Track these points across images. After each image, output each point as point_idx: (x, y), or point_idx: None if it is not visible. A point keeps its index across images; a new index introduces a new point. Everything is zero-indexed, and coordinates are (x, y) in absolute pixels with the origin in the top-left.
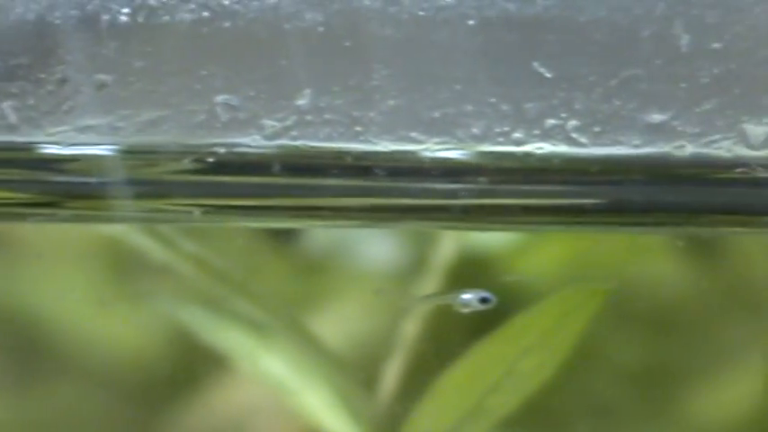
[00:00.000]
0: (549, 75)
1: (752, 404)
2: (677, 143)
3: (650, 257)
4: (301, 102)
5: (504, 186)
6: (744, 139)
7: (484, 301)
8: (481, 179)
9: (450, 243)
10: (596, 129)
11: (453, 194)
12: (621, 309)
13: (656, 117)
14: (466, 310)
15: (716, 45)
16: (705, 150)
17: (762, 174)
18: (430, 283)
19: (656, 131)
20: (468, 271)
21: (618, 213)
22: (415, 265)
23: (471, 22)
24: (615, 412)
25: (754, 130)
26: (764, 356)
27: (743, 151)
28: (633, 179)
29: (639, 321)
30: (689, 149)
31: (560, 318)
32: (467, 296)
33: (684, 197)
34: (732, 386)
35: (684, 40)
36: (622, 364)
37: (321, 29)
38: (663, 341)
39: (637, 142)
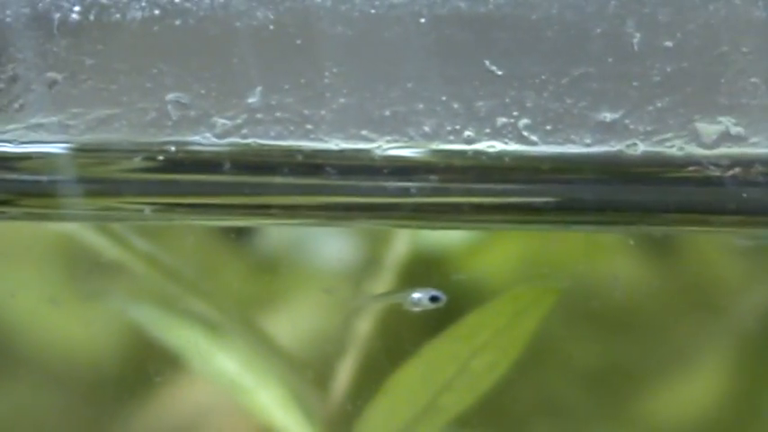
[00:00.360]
0: (500, 73)
1: (707, 403)
2: (629, 142)
3: (606, 256)
4: (252, 100)
5: (455, 185)
6: (696, 138)
7: (434, 299)
8: (432, 177)
9: (404, 241)
10: (548, 127)
11: (404, 193)
12: (576, 307)
13: (608, 115)
14: (416, 309)
15: (668, 43)
16: (657, 149)
17: (714, 172)
18: (382, 281)
19: (608, 130)
20: (421, 269)
21: (569, 212)
22: (368, 264)
23: (423, 21)
24: (570, 412)
25: (707, 128)
26: (718, 355)
27: (695, 150)
28: (585, 178)
29: (595, 320)
30: (641, 148)
31: (513, 316)
32: (417, 295)
33: (636, 196)
34: (687, 385)
35: (636, 38)
36: (577, 364)
37: (272, 27)
38: (617, 340)
39: (588, 141)
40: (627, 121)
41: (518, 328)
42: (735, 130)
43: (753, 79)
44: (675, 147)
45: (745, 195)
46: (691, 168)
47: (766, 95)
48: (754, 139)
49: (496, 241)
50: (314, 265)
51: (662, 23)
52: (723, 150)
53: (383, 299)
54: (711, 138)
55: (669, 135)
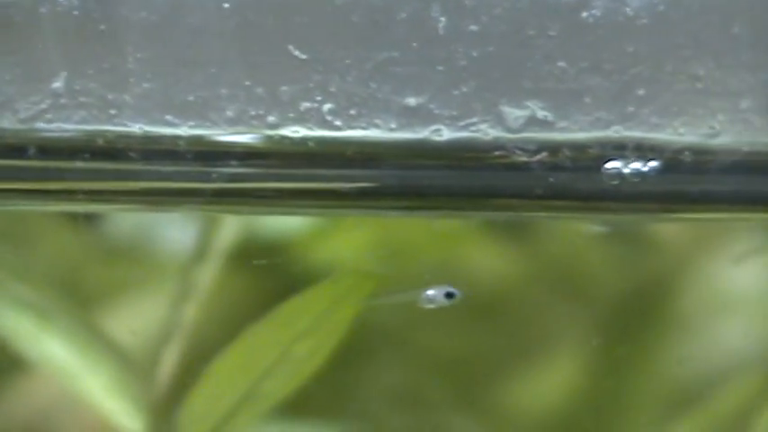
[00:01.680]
0: (304, 57)
1: (566, 392)
2: (434, 126)
3: (454, 243)
4: (56, 85)
5: (258, 170)
6: (502, 123)
7: (449, 296)
8: (234, 162)
9: (233, 227)
10: (352, 112)
11: (207, 177)
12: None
13: (413, 100)
14: (431, 306)
15: (474, 27)
16: (463, 134)
17: (520, 157)
18: (211, 267)
19: (413, 114)
20: (258, 256)
21: (375, 197)
22: (198, 250)
23: (226, 5)
24: (421, 400)
25: (513, 112)
26: (573, 343)
27: (501, 134)
28: (389, 163)
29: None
30: (446, 133)
31: (333, 302)
32: (431, 292)
33: (442, 181)
34: (546, 374)
35: (442, 22)
36: (429, 352)
37: (76, 12)
38: (468, 327)
39: (393, 125)
40: (432, 106)
41: (338, 314)
42: (541, 114)
43: (560, 63)
44: (481, 131)
45: (552, 180)
46: (497, 153)
47: (573, 80)
48: (561, 124)
49: (344, 228)
50: (145, 252)
51: (467, 7)
52: (530, 135)
53: (398, 297)
54: (518, 122)
55: (475, 120)
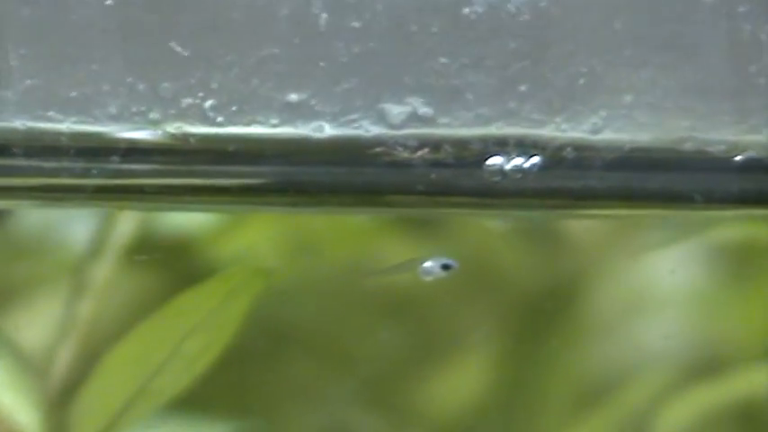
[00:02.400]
0: (186, 54)
1: (476, 390)
2: (316, 123)
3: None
4: None
5: (141, 166)
6: (383, 119)
7: (446, 267)
8: (116, 158)
9: (128, 224)
10: (233, 108)
11: (88, 173)
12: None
13: (294, 96)
14: (428, 278)
15: (355, 24)
16: (344, 130)
17: (401, 153)
18: (107, 263)
19: (294, 111)
20: (158, 252)
21: (256, 193)
22: (94, 247)
23: (109, 2)
24: (325, 396)
25: (394, 109)
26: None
27: (383, 131)
28: (271, 159)
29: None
30: (327, 129)
31: (224, 298)
32: (429, 264)
33: (324, 177)
34: (456, 372)
35: (323, 18)
36: (334, 348)
37: None
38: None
39: (275, 122)
40: (313, 102)
41: (230, 310)
42: (423, 110)
43: (441, 59)
44: (363, 128)
45: (433, 176)
46: (378, 149)
47: (455, 76)
48: (443, 120)
49: (248, 224)
50: (41, 248)
51: (349, 4)
52: (411, 131)
53: (394, 270)
54: (399, 118)
55: (356, 116)
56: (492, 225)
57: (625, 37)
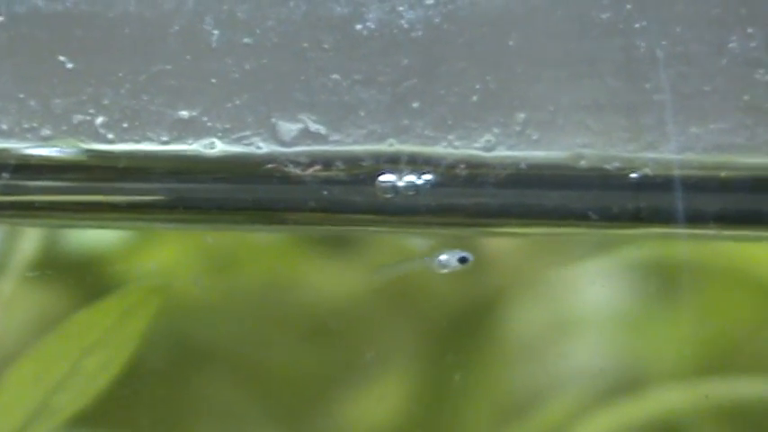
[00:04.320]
0: (77, 70)
1: (395, 409)
2: (207, 140)
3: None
4: None
5: (32, 182)
6: (275, 136)
7: (462, 260)
8: (5, 175)
9: (32, 240)
10: (124, 125)
11: None
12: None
13: (185, 113)
14: (445, 271)
15: (247, 40)
16: (235, 147)
17: (293, 170)
18: (9, 280)
19: (185, 127)
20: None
21: (147, 210)
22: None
23: (0, 18)
24: (232, 415)
25: (286, 126)
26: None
27: (274, 148)
28: (162, 175)
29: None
30: (219, 146)
31: (121, 315)
32: (444, 257)
33: (215, 194)
34: (375, 392)
35: (215, 35)
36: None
37: None
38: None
39: (165, 138)
40: (205, 119)
41: (127, 328)
42: (314, 127)
43: (333, 76)
44: (254, 144)
45: (325, 193)
46: (270, 166)
47: (347, 92)
48: (334, 137)
49: (158, 241)
50: None
51: (241, 20)
52: (303, 148)
53: (409, 264)
54: (290, 135)
55: (248, 132)
56: (410, 243)
57: (519, 53)
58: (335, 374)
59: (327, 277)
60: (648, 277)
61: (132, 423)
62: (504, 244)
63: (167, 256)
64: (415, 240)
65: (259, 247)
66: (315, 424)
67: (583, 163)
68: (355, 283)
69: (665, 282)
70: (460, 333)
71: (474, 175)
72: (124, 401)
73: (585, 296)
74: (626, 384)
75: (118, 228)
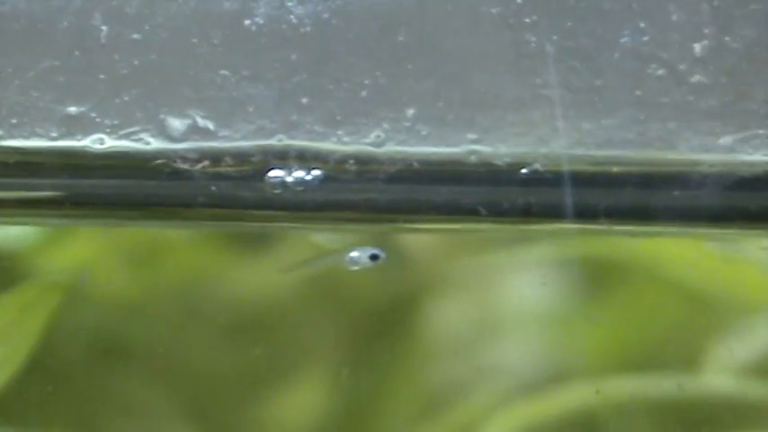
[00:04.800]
0: None
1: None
2: (96, 135)
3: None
4: None
5: None
6: (163, 131)
7: (373, 257)
8: None
9: None
10: (13, 120)
11: None
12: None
13: (74, 109)
14: (355, 268)
15: (136, 36)
16: (124, 142)
17: (182, 165)
18: None
19: (74, 123)
20: None
21: (36, 206)
22: None
23: None
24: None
25: (174, 121)
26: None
27: (163, 143)
28: (50, 171)
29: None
30: (107, 141)
31: (19, 312)
32: (355, 253)
33: (104, 189)
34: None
35: (104, 31)
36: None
37: None
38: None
39: (54, 134)
40: (93, 114)
41: (26, 324)
42: (203, 123)
43: (222, 71)
44: (142, 140)
45: (214, 189)
46: (159, 162)
47: (235, 88)
48: (223, 133)
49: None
50: None
51: (129, 16)
52: (191, 144)
53: (320, 261)
54: (179, 131)
55: (136, 128)
56: (323, 239)
57: (408, 49)
58: (254, 372)
59: (241, 274)
60: (564, 273)
61: (41, 420)
62: (420, 240)
63: (78, 253)
64: (328, 237)
65: (173, 243)
66: (232, 421)
67: (473, 158)
68: (269, 279)
69: (581, 278)
70: (379, 329)
71: (363, 170)
72: (30, 398)
73: (501, 292)
74: (541, 381)
75: (7, 224)
